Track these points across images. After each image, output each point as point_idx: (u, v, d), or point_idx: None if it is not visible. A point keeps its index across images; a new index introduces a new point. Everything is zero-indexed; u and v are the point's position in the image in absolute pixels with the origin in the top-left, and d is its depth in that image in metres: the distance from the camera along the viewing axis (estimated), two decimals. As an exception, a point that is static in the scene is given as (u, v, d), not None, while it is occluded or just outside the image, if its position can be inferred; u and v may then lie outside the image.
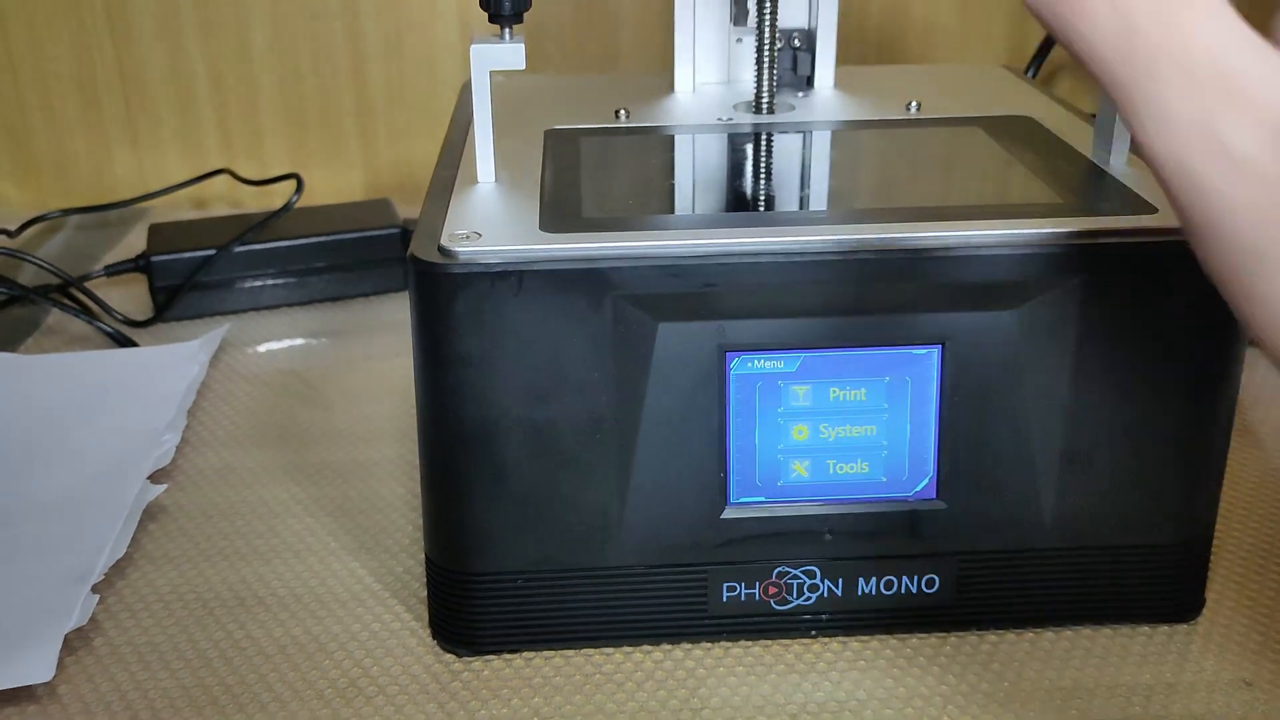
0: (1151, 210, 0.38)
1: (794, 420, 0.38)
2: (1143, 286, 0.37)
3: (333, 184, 0.83)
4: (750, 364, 0.38)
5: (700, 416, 0.37)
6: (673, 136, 0.48)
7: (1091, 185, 0.41)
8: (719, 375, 0.37)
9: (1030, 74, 0.77)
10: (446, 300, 0.36)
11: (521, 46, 0.40)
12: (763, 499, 0.39)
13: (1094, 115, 0.46)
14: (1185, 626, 0.41)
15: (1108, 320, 0.37)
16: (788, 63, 0.56)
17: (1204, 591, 0.42)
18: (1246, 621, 0.41)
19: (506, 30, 0.40)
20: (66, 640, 0.40)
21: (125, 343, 0.62)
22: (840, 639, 0.40)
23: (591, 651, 0.40)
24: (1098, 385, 0.38)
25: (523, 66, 0.40)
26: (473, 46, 0.40)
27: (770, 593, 0.39)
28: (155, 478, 0.49)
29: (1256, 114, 0.25)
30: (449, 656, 0.40)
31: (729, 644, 0.40)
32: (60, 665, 0.39)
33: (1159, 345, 0.37)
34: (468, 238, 0.36)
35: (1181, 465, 0.39)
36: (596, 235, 0.37)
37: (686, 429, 0.37)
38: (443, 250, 0.36)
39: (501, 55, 0.40)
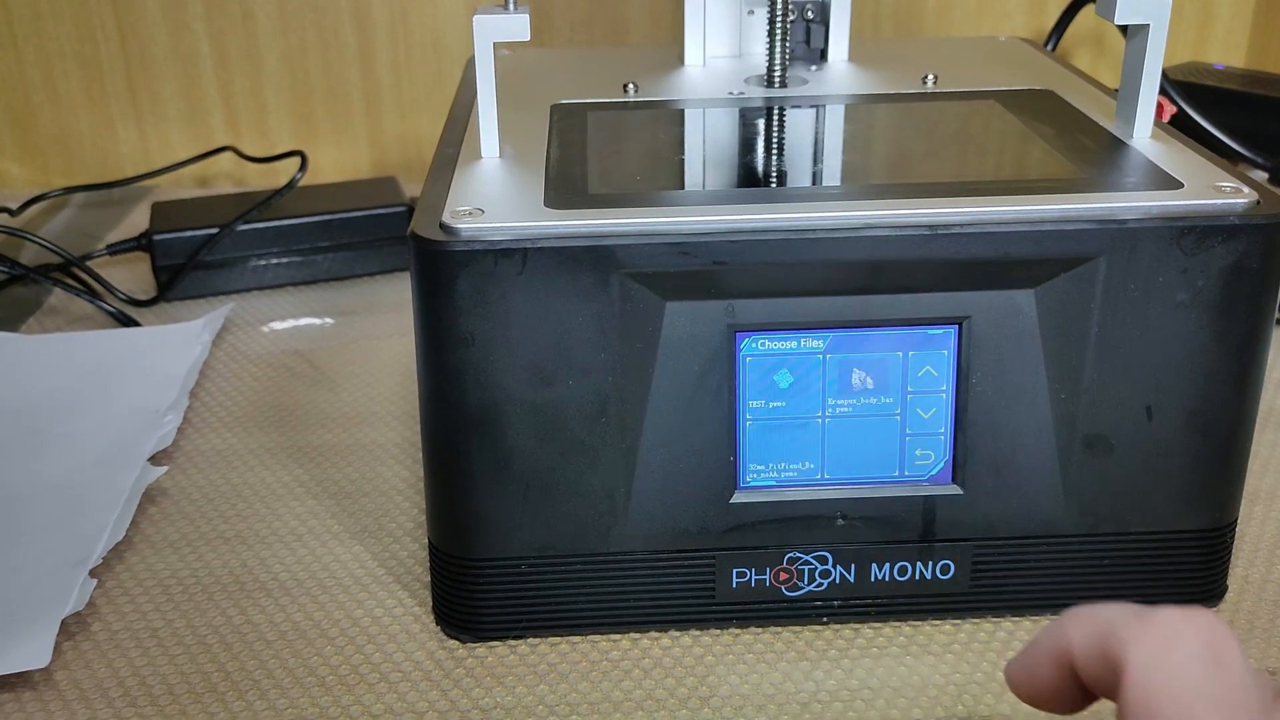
0: (1176, 186, 0.37)
1: (806, 402, 0.37)
2: (1167, 265, 0.35)
3: (338, 161, 0.83)
4: (761, 344, 0.37)
5: (709, 398, 0.36)
6: (682, 111, 0.47)
7: (1114, 160, 0.40)
8: (729, 356, 0.36)
9: (1050, 47, 0.75)
10: (448, 279, 0.35)
11: (526, 17, 0.39)
12: (773, 483, 0.38)
13: (1116, 89, 0.44)
14: (1207, 614, 0.40)
15: (1130, 300, 0.36)
16: (801, 35, 0.55)
17: (1227, 578, 0.40)
18: (1271, 609, 0.40)
19: (511, 0, 0.39)
20: (64, 625, 0.39)
21: (128, 322, 0.61)
22: (852, 626, 0.39)
23: (598, 638, 0.39)
24: (1119, 367, 0.36)
25: (527, 38, 0.39)
26: (475, 17, 0.39)
27: (781, 579, 0.38)
28: (156, 459, 0.49)
29: None
30: (452, 643, 0.39)
31: (738, 631, 0.39)
32: (57, 651, 0.38)
33: (1183, 326, 0.36)
34: (470, 215, 0.35)
35: (1205, 449, 0.38)
36: (603, 212, 0.36)
37: (695, 411, 0.37)
38: (444, 227, 0.35)
39: (505, 26, 0.39)
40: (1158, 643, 0.25)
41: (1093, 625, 0.27)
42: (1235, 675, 0.25)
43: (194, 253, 0.63)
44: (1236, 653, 0.25)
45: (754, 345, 0.37)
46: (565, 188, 0.38)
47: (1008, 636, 0.39)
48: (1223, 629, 0.26)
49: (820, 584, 0.39)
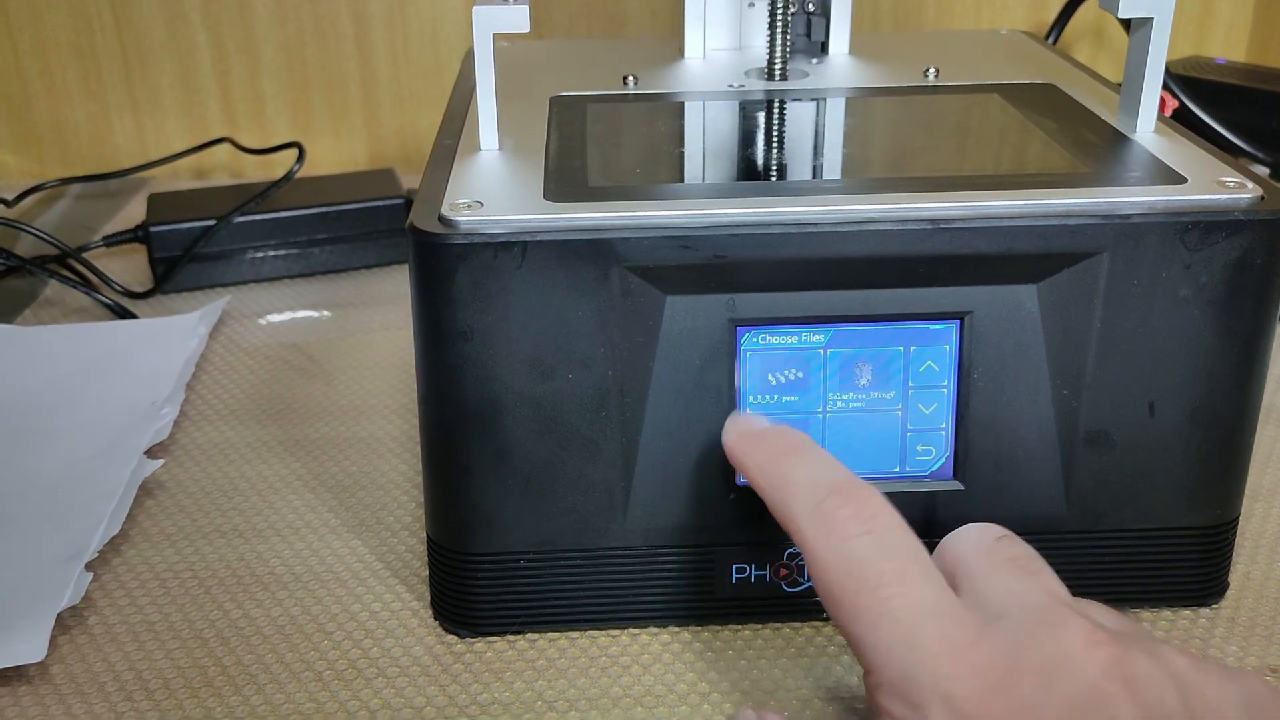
0: (1180, 180, 0.37)
1: (806, 396, 0.37)
2: (1170, 260, 0.35)
3: (336, 153, 0.82)
4: (762, 338, 0.36)
5: (709, 392, 0.36)
6: (682, 104, 0.47)
7: (1117, 154, 0.39)
8: (729, 350, 0.36)
9: (1051, 40, 0.75)
10: (447, 272, 0.34)
11: (526, 9, 0.39)
12: (774, 478, 0.37)
13: (1118, 83, 0.44)
14: (1208, 611, 0.40)
15: (1133, 295, 0.36)
16: (801, 28, 0.55)
17: (1228, 576, 0.40)
18: (1272, 607, 0.40)
19: (510, -8, 0.39)
20: (60, 619, 0.39)
21: (124, 314, 0.61)
22: (852, 622, 0.39)
23: (596, 633, 0.39)
24: (1121, 363, 0.36)
25: (527, 30, 0.39)
26: (475, 8, 0.38)
27: (780, 574, 0.38)
28: (153, 452, 0.48)
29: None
30: (450, 638, 0.39)
31: (738, 627, 0.39)
32: (53, 645, 0.38)
33: (1186, 322, 0.36)
34: (469, 207, 0.35)
35: (1207, 446, 0.37)
36: (603, 205, 0.35)
37: (695, 405, 0.36)
38: (443, 220, 0.35)
39: (505, 18, 0.38)
40: (818, 527, 0.30)
41: (777, 507, 0.31)
42: (889, 534, 0.29)
43: (191, 245, 0.63)
44: (887, 513, 0.29)
45: (755, 339, 0.36)
46: (565, 180, 0.38)
47: (1008, 633, 0.39)
48: (873, 497, 0.30)
49: (820, 580, 0.38)
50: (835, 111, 0.46)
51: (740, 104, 0.47)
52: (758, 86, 0.49)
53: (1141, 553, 0.39)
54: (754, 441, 0.32)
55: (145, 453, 0.48)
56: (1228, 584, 0.40)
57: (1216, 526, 0.39)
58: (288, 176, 0.66)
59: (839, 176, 0.39)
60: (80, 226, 0.72)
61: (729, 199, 0.36)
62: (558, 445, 0.36)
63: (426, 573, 0.41)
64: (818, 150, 0.42)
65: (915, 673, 0.27)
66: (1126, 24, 0.41)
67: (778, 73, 0.50)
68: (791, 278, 0.35)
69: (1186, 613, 0.40)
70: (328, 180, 0.70)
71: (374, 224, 0.66)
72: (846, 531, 0.29)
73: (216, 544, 0.44)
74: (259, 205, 0.65)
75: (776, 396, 0.37)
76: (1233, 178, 0.37)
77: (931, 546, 0.38)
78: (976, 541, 0.31)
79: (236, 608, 0.41)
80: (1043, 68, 0.51)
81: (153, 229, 0.63)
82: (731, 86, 0.49)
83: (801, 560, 0.38)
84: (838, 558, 0.29)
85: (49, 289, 0.64)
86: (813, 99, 0.47)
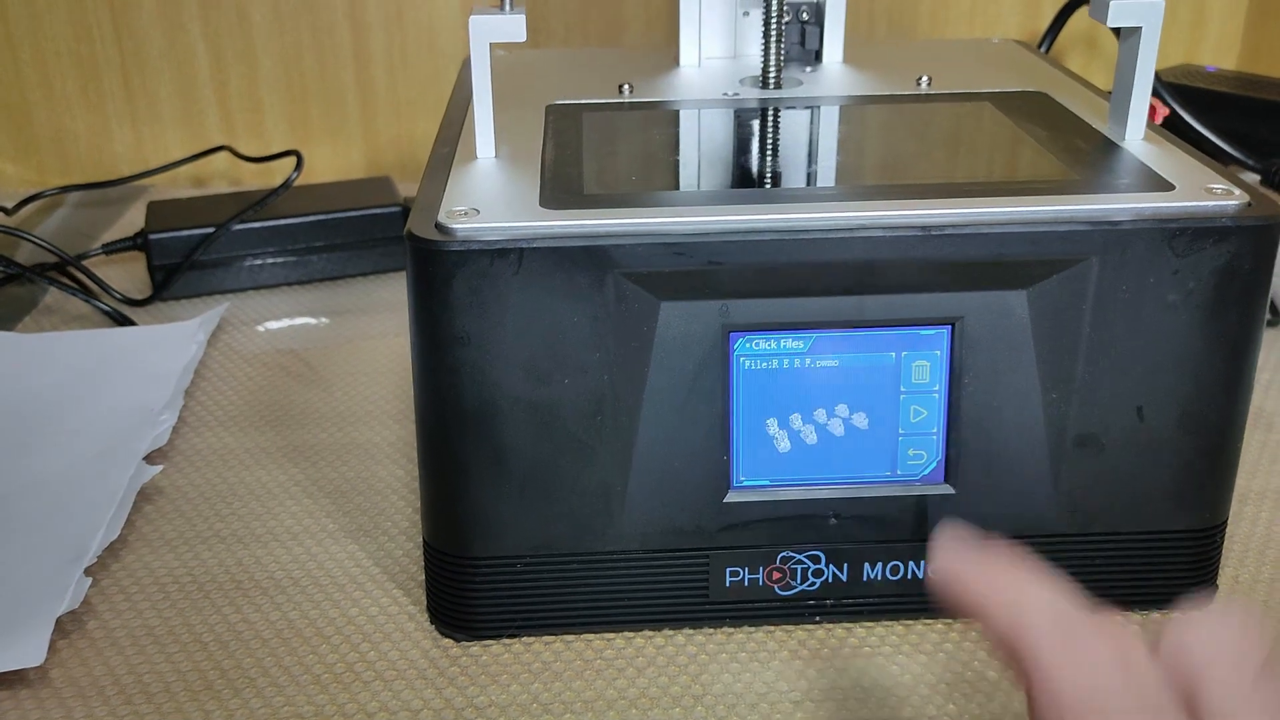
0: (1168, 188, 0.37)
1: (799, 402, 0.37)
2: (1158, 266, 0.36)
3: (333, 161, 0.83)
4: (755, 344, 0.37)
5: (704, 398, 0.37)
6: (677, 112, 0.47)
7: (1106, 162, 0.40)
8: (723, 355, 0.36)
9: (1043, 49, 0.76)
10: (444, 279, 0.35)
11: (522, 18, 0.39)
12: (767, 482, 0.38)
13: (1109, 91, 0.45)
14: (1198, 613, 0.40)
15: (1122, 301, 0.36)
16: (795, 36, 0.55)
17: (1217, 577, 0.41)
18: (1260, 608, 0.40)
19: (507, 1, 0.39)
20: (59, 623, 0.39)
21: (123, 321, 0.61)
22: (845, 625, 0.40)
23: (592, 637, 0.39)
24: (1111, 367, 0.37)
25: (523, 39, 0.39)
26: (472, 18, 0.39)
27: (774, 578, 0.39)
28: (151, 458, 0.49)
29: None
30: (447, 642, 0.39)
31: (732, 630, 0.39)
32: (52, 649, 0.39)
33: (1174, 327, 0.36)
34: (466, 214, 0.36)
35: (1196, 450, 0.38)
36: (598, 212, 0.36)
37: (689, 410, 0.37)
38: (440, 227, 0.35)
39: (501, 27, 0.39)
40: (1062, 651, 0.26)
41: (1007, 615, 0.27)
42: (1139, 675, 0.25)
43: (189, 252, 0.64)
44: (1138, 651, 0.26)
45: (748, 345, 0.37)
46: (560, 188, 0.38)
47: (1000, 635, 0.39)
48: (1124, 630, 0.26)
49: (813, 583, 0.39)
50: (829, 119, 0.47)
51: (735, 112, 0.47)
52: (752, 94, 0.49)
53: (1131, 555, 0.39)
54: (975, 556, 0.29)
55: (144, 458, 0.48)
56: (1217, 586, 0.41)
57: (1205, 529, 0.39)
58: (286, 184, 0.66)
59: (832, 184, 0.39)
60: (80, 234, 0.73)
61: (723, 206, 0.36)
62: (553, 450, 0.37)
63: (423, 577, 0.41)
64: (811, 158, 0.43)
65: None
66: (1118, 33, 0.42)
67: (772, 81, 0.50)
68: (784, 284, 0.36)
69: (1176, 615, 0.40)
70: (325, 188, 0.70)
71: (371, 231, 0.67)
72: (1094, 660, 0.26)
73: (215, 549, 0.44)
74: (257, 213, 0.65)
75: (770, 401, 0.37)
76: (1220, 185, 0.37)
77: (923, 547, 0.38)
78: (1234, 664, 0.26)
79: (235, 612, 0.41)
80: (1034, 76, 0.51)
81: (152, 236, 0.64)
82: (726, 94, 0.49)
83: (794, 564, 0.38)
84: (1078, 688, 0.25)
85: (48, 296, 0.65)
86: (807, 107, 0.48)
